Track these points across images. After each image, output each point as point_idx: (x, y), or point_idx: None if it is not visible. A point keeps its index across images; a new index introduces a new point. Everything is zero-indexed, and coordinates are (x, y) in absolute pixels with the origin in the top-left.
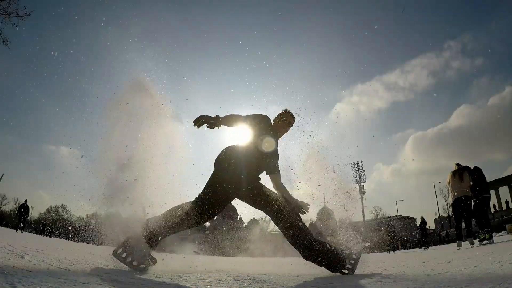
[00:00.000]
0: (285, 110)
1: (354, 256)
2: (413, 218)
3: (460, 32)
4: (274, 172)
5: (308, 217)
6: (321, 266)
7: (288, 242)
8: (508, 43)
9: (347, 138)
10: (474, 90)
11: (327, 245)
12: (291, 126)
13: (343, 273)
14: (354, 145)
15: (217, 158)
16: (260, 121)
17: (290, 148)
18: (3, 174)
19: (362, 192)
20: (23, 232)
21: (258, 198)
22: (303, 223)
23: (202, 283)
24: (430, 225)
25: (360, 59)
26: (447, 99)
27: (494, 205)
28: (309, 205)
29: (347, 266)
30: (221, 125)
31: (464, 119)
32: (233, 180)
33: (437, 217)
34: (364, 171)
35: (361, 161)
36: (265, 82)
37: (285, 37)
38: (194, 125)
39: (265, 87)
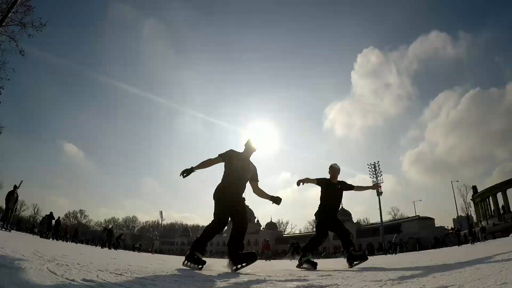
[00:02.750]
0: (249, 140)
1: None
2: (432, 218)
3: None
4: (255, 180)
5: None
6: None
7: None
8: None
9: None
10: None
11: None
12: (255, 150)
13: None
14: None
15: (218, 193)
16: (230, 155)
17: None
18: (22, 181)
19: (380, 193)
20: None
21: (240, 212)
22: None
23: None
24: (448, 224)
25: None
26: None
27: (503, 207)
28: (281, 199)
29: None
30: (196, 170)
31: None
32: (232, 204)
33: (455, 217)
34: (381, 171)
35: (378, 161)
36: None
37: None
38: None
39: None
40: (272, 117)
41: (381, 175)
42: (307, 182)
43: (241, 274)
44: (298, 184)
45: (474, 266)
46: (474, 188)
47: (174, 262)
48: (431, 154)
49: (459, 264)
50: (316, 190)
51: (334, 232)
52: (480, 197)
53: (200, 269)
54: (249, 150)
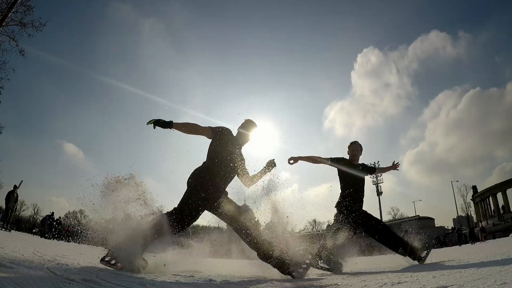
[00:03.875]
0: (248, 121)
1: (304, 265)
2: (432, 218)
3: None
4: (246, 173)
5: (325, 219)
6: (274, 267)
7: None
8: None
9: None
10: None
11: (279, 248)
12: (254, 134)
13: (293, 276)
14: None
15: (194, 178)
16: (224, 135)
17: None
18: (22, 181)
19: (380, 193)
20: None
21: (221, 208)
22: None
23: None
24: (448, 224)
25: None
26: None
27: (503, 207)
28: (273, 160)
29: (298, 270)
30: (174, 129)
31: None
32: (210, 196)
33: (455, 217)
34: None
35: (378, 161)
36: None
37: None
38: (147, 123)
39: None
40: (272, 117)
41: (381, 175)
42: (310, 161)
43: (241, 274)
44: (289, 161)
45: (474, 266)
46: (474, 188)
47: (174, 262)
48: (431, 154)
49: (459, 264)
50: (317, 191)
51: (366, 233)
52: (480, 197)
53: (139, 271)
54: (244, 137)
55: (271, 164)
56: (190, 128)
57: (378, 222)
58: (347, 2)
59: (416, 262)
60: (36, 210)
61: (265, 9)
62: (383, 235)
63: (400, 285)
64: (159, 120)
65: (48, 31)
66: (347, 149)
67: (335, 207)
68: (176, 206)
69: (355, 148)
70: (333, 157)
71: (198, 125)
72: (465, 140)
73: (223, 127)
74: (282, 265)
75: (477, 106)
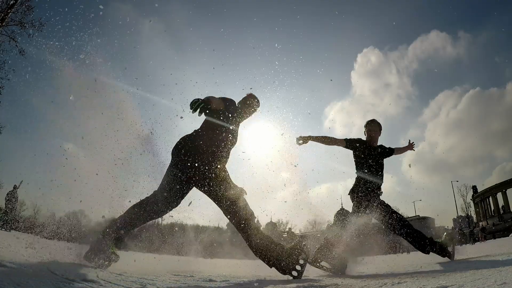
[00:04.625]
0: (251, 95)
1: (302, 265)
2: (432, 218)
3: None
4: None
5: (326, 220)
6: (270, 267)
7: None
8: None
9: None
10: None
11: (278, 245)
12: (255, 112)
13: (292, 276)
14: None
15: (180, 147)
16: (229, 105)
17: None
18: (22, 181)
19: (379, 193)
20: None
21: (216, 188)
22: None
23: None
24: (448, 224)
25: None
26: None
27: (503, 207)
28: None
29: (297, 270)
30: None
31: None
32: (199, 169)
33: (455, 217)
34: None
35: None
36: None
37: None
38: (193, 111)
39: None
40: (272, 117)
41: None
42: (321, 142)
43: (241, 274)
44: (298, 141)
45: (474, 266)
46: (474, 188)
47: (174, 262)
48: (431, 154)
49: (459, 264)
50: (318, 191)
51: (386, 227)
52: (480, 197)
53: (106, 266)
54: (246, 108)
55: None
56: (219, 103)
57: (400, 215)
58: (347, 2)
59: (436, 259)
60: (36, 210)
61: (265, 9)
62: (406, 230)
63: (400, 285)
64: (197, 101)
65: (48, 32)
66: (363, 129)
67: (348, 194)
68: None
69: (372, 128)
70: (348, 138)
71: (216, 98)
72: (465, 140)
73: (229, 99)
74: (279, 265)
75: (477, 106)
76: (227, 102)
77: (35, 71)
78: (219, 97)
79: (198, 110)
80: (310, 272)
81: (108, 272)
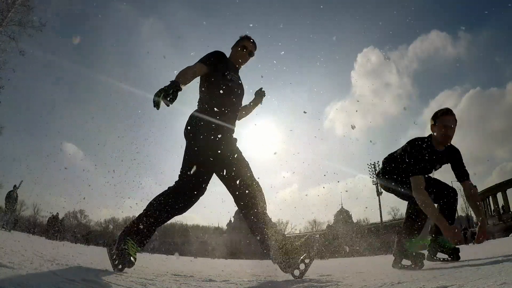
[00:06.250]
0: (245, 36)
1: (307, 261)
2: None
3: None
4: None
5: (325, 220)
6: (274, 262)
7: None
8: None
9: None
10: None
11: (288, 240)
12: (252, 56)
13: (294, 276)
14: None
15: (192, 127)
16: (217, 61)
17: None
18: (22, 181)
19: (380, 193)
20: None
21: (232, 167)
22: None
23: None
24: None
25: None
26: None
27: (503, 207)
28: (262, 89)
29: (299, 269)
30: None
31: None
32: (218, 147)
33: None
34: None
35: (378, 161)
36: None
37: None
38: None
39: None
40: (272, 117)
41: None
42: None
43: (241, 274)
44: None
45: (474, 266)
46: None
47: (174, 262)
48: None
49: (459, 264)
50: (318, 191)
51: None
52: (480, 197)
53: (121, 269)
54: (239, 55)
55: (260, 94)
56: (189, 75)
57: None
58: (347, 2)
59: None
60: (36, 210)
61: (265, 9)
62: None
63: (400, 285)
64: (169, 90)
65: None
66: (430, 123)
67: (382, 162)
68: (179, 175)
69: (447, 120)
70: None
71: (189, 67)
72: (465, 140)
73: (214, 52)
74: (281, 262)
75: (477, 106)
76: (211, 58)
77: (35, 71)
78: (198, 61)
79: (162, 102)
80: (310, 272)
81: (108, 272)
